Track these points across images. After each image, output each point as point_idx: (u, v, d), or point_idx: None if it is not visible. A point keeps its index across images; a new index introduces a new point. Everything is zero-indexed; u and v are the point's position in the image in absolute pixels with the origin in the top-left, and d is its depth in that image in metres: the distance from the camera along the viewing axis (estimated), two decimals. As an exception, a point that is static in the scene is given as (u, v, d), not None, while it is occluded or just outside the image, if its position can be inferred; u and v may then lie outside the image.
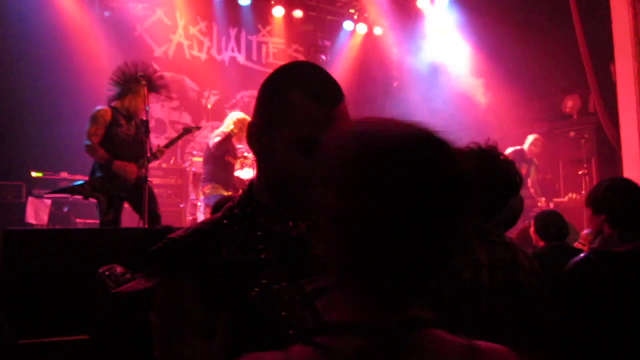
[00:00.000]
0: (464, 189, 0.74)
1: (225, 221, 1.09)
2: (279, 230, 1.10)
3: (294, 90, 1.06)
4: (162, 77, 4.67)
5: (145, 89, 4.50)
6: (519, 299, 1.74)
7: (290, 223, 1.11)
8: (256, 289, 1.00)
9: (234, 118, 5.87)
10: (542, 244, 3.24)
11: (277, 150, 1.07)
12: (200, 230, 1.09)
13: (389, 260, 0.69)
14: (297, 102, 1.05)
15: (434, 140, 0.75)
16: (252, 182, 1.17)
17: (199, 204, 6.42)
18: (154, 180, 6.16)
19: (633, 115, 6.48)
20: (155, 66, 8.24)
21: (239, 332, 0.98)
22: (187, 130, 5.10)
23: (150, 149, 4.48)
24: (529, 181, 7.32)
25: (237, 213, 1.11)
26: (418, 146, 0.72)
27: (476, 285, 1.69)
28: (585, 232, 3.78)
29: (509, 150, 7.23)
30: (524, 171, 7.29)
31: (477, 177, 1.83)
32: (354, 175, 0.70)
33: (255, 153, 1.13)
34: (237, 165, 6.15)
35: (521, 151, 7.36)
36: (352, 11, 9.80)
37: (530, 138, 7.46)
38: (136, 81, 4.55)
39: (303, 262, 1.05)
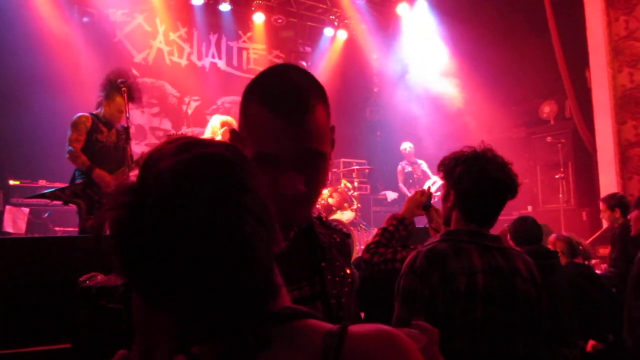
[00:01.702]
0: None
1: None
2: None
3: (253, 100, 1.02)
4: (139, 90, 4.62)
5: (120, 96, 4.49)
6: (515, 305, 1.73)
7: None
8: None
9: (218, 122, 5.63)
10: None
11: None
12: None
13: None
14: (255, 113, 1.01)
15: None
16: None
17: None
18: (134, 187, 6.10)
19: (607, 120, 6.62)
20: (135, 72, 8.20)
21: None
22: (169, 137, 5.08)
23: (131, 156, 4.45)
24: (429, 176, 8.44)
25: None
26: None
27: (470, 290, 1.69)
28: (553, 236, 3.89)
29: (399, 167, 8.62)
30: (419, 171, 8.60)
31: (469, 180, 1.81)
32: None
33: None
34: None
35: (408, 155, 8.64)
36: (332, 17, 9.87)
37: (404, 146, 8.66)
38: (114, 88, 4.53)
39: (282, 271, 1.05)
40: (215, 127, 5.54)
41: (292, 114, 0.99)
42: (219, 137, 5.52)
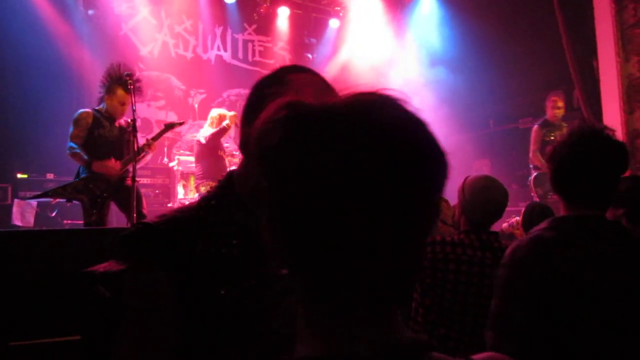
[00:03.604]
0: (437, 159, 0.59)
1: (200, 213, 1.07)
2: (254, 225, 1.05)
3: (272, 84, 1.04)
4: (138, 80, 4.66)
5: (121, 89, 4.55)
6: (625, 302, 1.47)
7: None
8: (226, 287, 0.98)
9: (216, 114, 6.06)
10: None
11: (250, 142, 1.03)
12: (176, 219, 1.06)
13: (363, 254, 0.54)
14: (270, 93, 1.00)
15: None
16: (232, 173, 1.13)
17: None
18: (141, 180, 6.14)
19: (616, 110, 6.57)
20: (141, 65, 8.22)
21: (206, 327, 0.96)
22: (170, 126, 5.09)
23: (139, 148, 4.48)
24: None
25: (213, 204, 1.08)
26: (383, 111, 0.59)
27: (577, 286, 1.46)
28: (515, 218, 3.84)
29: (535, 126, 6.76)
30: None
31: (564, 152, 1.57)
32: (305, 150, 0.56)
33: (239, 146, 1.10)
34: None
35: (546, 121, 6.79)
36: (337, 8, 9.81)
37: (548, 99, 6.83)
38: (114, 81, 4.60)
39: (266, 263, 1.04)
40: (213, 119, 6.02)
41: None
42: (214, 129, 5.91)
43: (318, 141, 0.55)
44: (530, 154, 6.71)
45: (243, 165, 1.11)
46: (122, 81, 4.53)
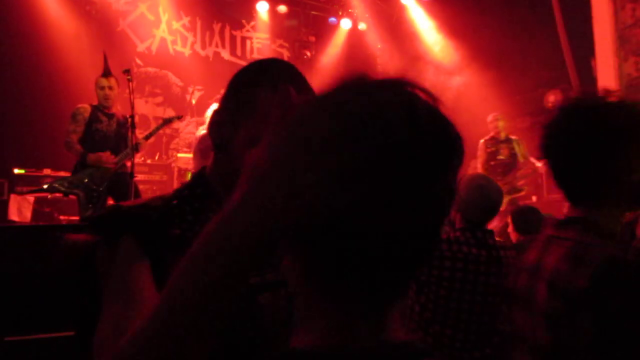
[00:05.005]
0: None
1: (174, 201, 1.05)
2: None
3: (261, 86, 1.01)
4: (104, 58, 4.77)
5: (100, 76, 4.67)
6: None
7: None
8: None
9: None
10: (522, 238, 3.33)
11: (236, 144, 1.02)
12: (148, 204, 1.03)
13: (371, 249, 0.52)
14: (262, 98, 1.00)
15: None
16: (204, 168, 1.12)
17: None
18: (139, 176, 6.13)
19: (613, 109, 6.57)
20: (138, 61, 8.22)
21: None
22: (167, 121, 5.09)
23: (137, 143, 4.50)
24: (520, 160, 6.90)
25: (186, 194, 1.07)
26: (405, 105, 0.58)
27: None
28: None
29: (481, 141, 6.98)
30: (506, 152, 6.93)
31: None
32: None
33: (214, 143, 1.08)
34: None
35: (492, 137, 7.01)
36: (336, 6, 9.81)
37: (489, 118, 7.08)
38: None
39: None
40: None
41: None
42: None
43: (368, 134, 0.54)
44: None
45: (216, 161, 1.09)
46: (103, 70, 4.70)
